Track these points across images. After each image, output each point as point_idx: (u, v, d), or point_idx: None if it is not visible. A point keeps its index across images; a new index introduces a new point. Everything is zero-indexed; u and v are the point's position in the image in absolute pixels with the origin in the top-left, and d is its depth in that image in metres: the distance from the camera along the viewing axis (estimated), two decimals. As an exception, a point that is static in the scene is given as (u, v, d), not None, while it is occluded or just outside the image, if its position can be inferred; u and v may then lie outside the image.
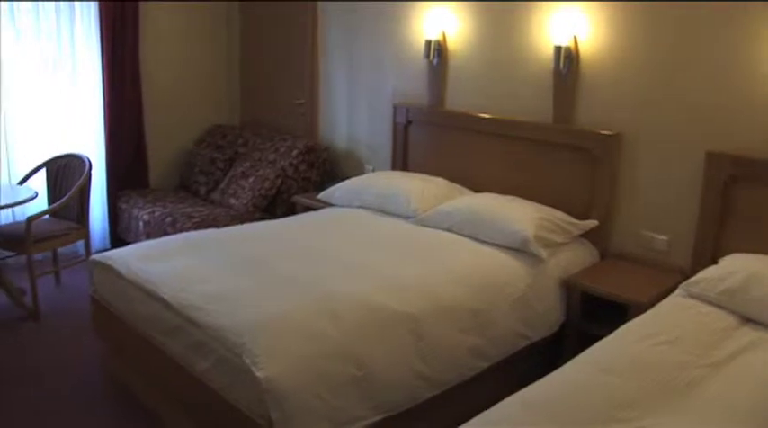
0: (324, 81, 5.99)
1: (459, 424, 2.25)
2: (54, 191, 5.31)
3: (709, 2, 3.60)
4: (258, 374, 2.63)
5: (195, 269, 3.54)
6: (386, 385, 2.96)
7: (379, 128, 5.52)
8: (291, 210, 5.47)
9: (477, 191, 4.65)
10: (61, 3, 5.62)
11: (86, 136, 5.96)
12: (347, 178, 5.23)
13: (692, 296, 3.26)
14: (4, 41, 5.41)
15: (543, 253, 3.81)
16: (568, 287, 3.87)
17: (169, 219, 5.28)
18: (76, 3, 5.69)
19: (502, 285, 3.64)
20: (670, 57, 3.80)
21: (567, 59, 4.15)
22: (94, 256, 3.94)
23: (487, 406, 2.34)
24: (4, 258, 5.24)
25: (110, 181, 6.07)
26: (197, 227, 5.02)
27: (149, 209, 5.57)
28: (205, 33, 6.68)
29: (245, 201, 5.50)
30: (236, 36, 6.79)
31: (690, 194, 3.81)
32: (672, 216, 3.92)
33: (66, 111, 5.84)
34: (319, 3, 5.86)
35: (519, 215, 3.98)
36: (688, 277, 3.44)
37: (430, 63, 4.99)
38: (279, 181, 5.55)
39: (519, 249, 3.85)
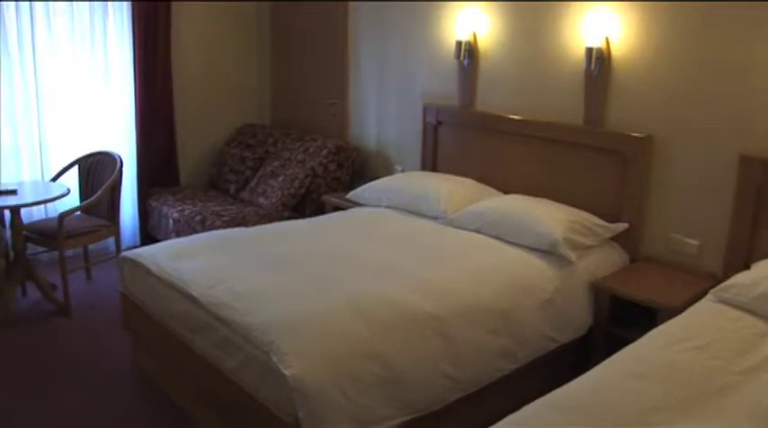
0: (354, 81, 6.00)
1: (487, 427, 2.24)
2: (86, 188, 5.38)
3: (743, 1, 3.55)
4: (286, 372, 2.64)
5: (224, 267, 3.56)
6: (413, 385, 2.96)
7: (408, 128, 5.51)
8: (320, 210, 5.48)
9: (506, 192, 4.64)
10: (95, 3, 5.68)
11: (118, 134, 6.04)
12: (376, 178, 5.24)
13: (723, 301, 3.21)
14: (40, 41, 5.49)
15: (572, 255, 3.79)
16: (597, 290, 3.84)
17: (199, 218, 5.32)
18: (110, 3, 5.76)
19: (530, 287, 3.63)
20: (703, 58, 3.76)
21: (599, 61, 4.12)
22: (125, 253, 3.98)
23: (515, 409, 2.33)
24: (36, 253, 5.31)
25: (140, 179, 6.14)
26: (226, 225, 5.06)
27: (179, 208, 5.61)
28: (236, 33, 6.72)
29: (274, 200, 5.52)
30: (267, 36, 6.82)
31: (722, 198, 3.76)
32: (703, 219, 3.88)
33: (99, 109, 5.92)
34: (351, 2, 5.88)
35: (548, 217, 3.96)
36: (719, 282, 3.39)
37: (460, 63, 4.98)
38: (308, 180, 5.57)
39: (548, 251, 3.83)
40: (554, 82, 4.46)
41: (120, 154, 5.31)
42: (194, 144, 6.56)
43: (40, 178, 5.64)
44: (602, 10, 4.12)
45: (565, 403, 2.37)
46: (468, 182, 4.75)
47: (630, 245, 4.15)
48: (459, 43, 4.89)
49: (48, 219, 5.28)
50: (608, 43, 4.11)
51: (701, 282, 3.74)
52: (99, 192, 5.01)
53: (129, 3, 5.82)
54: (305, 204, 5.63)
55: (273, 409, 2.76)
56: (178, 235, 5.32)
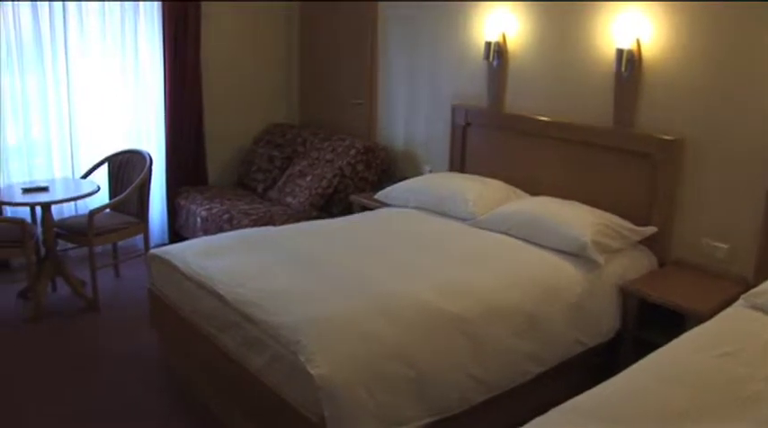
0: (383, 81, 6.00)
1: (512, 429, 2.24)
2: (115, 185, 5.44)
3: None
4: (312, 372, 2.65)
5: (252, 266, 3.57)
6: (439, 386, 2.96)
7: (436, 129, 5.50)
8: (348, 210, 5.49)
9: (534, 194, 4.62)
10: (126, 3, 5.74)
11: (148, 132, 6.09)
12: (404, 178, 5.24)
13: (754, 307, 3.16)
14: (72, 40, 5.56)
15: (600, 258, 3.76)
16: (625, 293, 3.81)
17: (226, 216, 5.34)
18: (140, 2, 5.81)
19: (557, 289, 3.61)
20: (735, 59, 3.72)
21: (629, 62, 4.08)
22: (153, 250, 4.01)
23: (541, 412, 2.32)
24: (66, 250, 5.37)
25: (169, 177, 6.19)
26: (254, 224, 5.08)
27: (207, 206, 5.64)
28: (265, 32, 6.74)
29: (301, 200, 5.54)
30: (296, 35, 6.85)
31: (754, 202, 3.72)
32: (734, 223, 3.83)
33: (129, 108, 5.97)
34: (380, 3, 5.88)
35: (577, 219, 3.94)
36: (750, 287, 3.35)
37: (489, 64, 4.97)
38: (336, 180, 5.58)
39: (576, 254, 3.81)
40: (584, 83, 4.43)
41: (149, 152, 5.36)
42: (223, 143, 6.59)
43: (70, 175, 5.70)
44: (633, 11, 4.08)
45: (592, 407, 2.35)
46: (497, 183, 4.73)
47: (659, 248, 4.11)
48: (488, 44, 4.87)
49: (78, 216, 5.34)
50: (639, 45, 4.08)
51: (731, 287, 3.70)
52: (128, 190, 5.06)
53: (160, 2, 5.86)
54: (332, 204, 5.64)
55: (299, 408, 2.77)
56: (206, 233, 5.35)
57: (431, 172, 5.48)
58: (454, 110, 5.25)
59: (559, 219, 3.97)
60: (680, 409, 2.33)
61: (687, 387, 2.48)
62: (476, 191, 4.55)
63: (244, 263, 3.62)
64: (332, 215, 5.41)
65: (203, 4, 6.10)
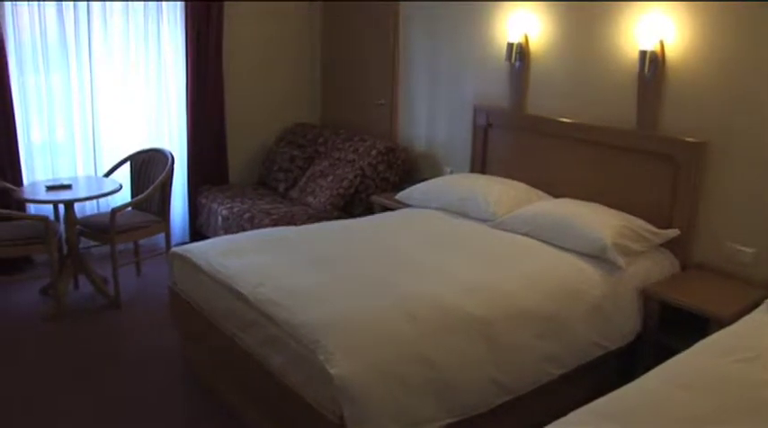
0: (404, 82, 6.00)
1: (531, 432, 2.23)
2: (137, 184, 5.47)
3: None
4: (332, 371, 2.66)
5: (273, 265, 3.58)
6: (459, 387, 2.95)
7: (458, 130, 5.49)
8: (369, 210, 5.49)
9: (555, 196, 4.60)
10: (149, 3, 5.78)
11: (170, 131, 6.13)
12: (425, 179, 5.24)
13: (778, 312, 3.15)
14: (96, 40, 5.61)
15: (622, 261, 3.73)
16: (646, 297, 3.79)
17: (247, 215, 5.36)
18: (164, 3, 5.85)
19: (578, 292, 3.59)
20: (761, 61, 3.67)
21: (653, 64, 4.05)
22: (175, 249, 4.03)
23: (560, 415, 2.31)
24: (88, 247, 5.41)
25: (191, 176, 6.22)
26: (275, 223, 5.09)
27: (228, 205, 5.67)
28: (287, 33, 6.75)
29: (323, 200, 5.55)
30: (318, 36, 6.86)
31: (779, 205, 3.69)
32: (759, 227, 3.78)
33: (151, 107, 6.01)
34: (401, 3, 5.88)
35: (598, 222, 3.92)
36: (774, 292, 3.33)
37: (511, 66, 4.95)
38: (357, 180, 5.59)
39: (597, 256, 3.78)
40: (606, 85, 4.40)
41: (171, 151, 5.39)
42: (244, 142, 6.61)
43: (93, 174, 5.74)
44: (656, 12, 4.05)
45: (612, 410, 2.34)
46: (518, 184, 4.72)
47: (681, 251, 4.08)
48: (510, 45, 4.85)
49: (100, 214, 5.38)
50: (662, 46, 4.05)
51: (755, 292, 3.65)
52: (150, 189, 5.09)
53: (183, 3, 5.90)
54: (353, 204, 5.64)
55: (318, 407, 2.78)
56: (227, 232, 5.37)
57: (452, 173, 5.47)
58: (476, 111, 5.24)
59: (581, 221, 3.95)
60: (700, 414, 2.32)
61: (708, 393, 2.45)
62: (497, 192, 4.54)
63: (264, 262, 3.64)
64: (353, 215, 5.41)
65: (226, 4, 6.13)
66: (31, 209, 5.39)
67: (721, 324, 3.22)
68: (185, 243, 5.01)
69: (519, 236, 4.13)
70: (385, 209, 5.32)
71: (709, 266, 4.02)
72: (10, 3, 5.19)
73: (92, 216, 5.42)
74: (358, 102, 6.51)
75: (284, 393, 3.00)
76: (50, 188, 4.88)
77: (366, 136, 6.02)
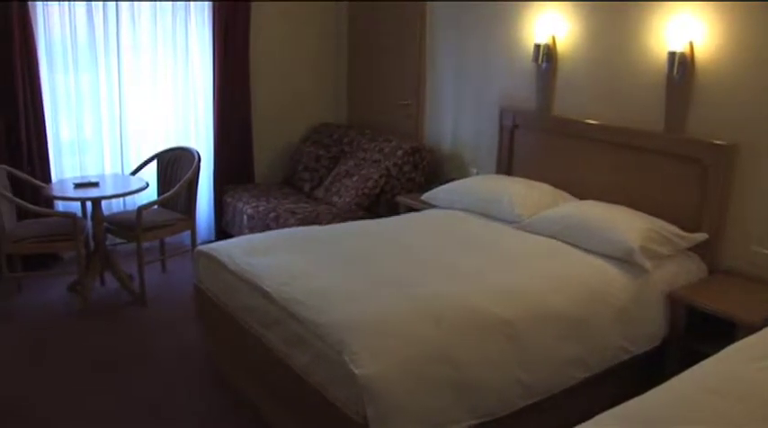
0: (430, 82, 5.99)
1: (556, 435, 2.22)
2: (164, 182, 5.51)
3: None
4: (356, 371, 2.66)
5: (298, 264, 3.59)
6: (483, 389, 2.94)
7: (484, 131, 5.48)
8: (394, 210, 5.49)
9: (582, 198, 4.57)
10: (177, 3, 5.82)
11: (197, 130, 6.18)
12: (451, 180, 5.23)
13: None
14: (124, 40, 5.67)
15: (648, 264, 3.70)
16: (673, 301, 3.75)
17: (272, 215, 5.38)
18: (191, 3, 5.88)
19: (604, 295, 3.56)
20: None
21: (682, 66, 4.02)
22: (200, 247, 4.05)
23: (585, 418, 2.29)
24: (114, 244, 5.45)
25: (217, 175, 6.26)
26: (300, 223, 5.10)
27: (254, 204, 5.69)
28: (313, 32, 6.78)
29: (348, 200, 5.55)
30: (345, 36, 6.87)
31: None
32: (788, 232, 3.75)
33: (178, 106, 6.06)
34: (428, 3, 5.87)
35: (625, 224, 3.89)
36: (804, 298, 3.28)
37: (538, 67, 4.93)
38: (382, 180, 5.59)
39: (623, 259, 3.76)
40: (634, 87, 4.37)
41: (197, 150, 5.42)
42: (270, 142, 6.64)
43: (120, 172, 5.79)
44: (685, 13, 4.02)
45: (638, 415, 2.32)
46: (544, 186, 4.69)
47: (709, 256, 4.04)
48: (537, 46, 4.83)
49: (127, 212, 5.42)
50: (692, 48, 4.01)
51: (784, 298, 3.62)
52: (176, 187, 5.12)
53: (210, 3, 5.93)
54: (379, 204, 5.64)
55: (342, 407, 2.78)
56: (252, 231, 5.39)
57: (477, 174, 5.46)
58: (502, 112, 5.22)
59: (607, 224, 3.92)
60: (727, 420, 2.29)
61: (735, 399, 2.42)
62: (522, 194, 4.53)
63: (290, 261, 3.65)
64: (378, 215, 5.41)
65: (252, 4, 6.16)
66: (59, 206, 5.44)
67: (749, 329, 3.18)
68: (211, 241, 5.04)
69: (544, 238, 4.11)
70: (410, 209, 5.32)
71: (737, 271, 3.98)
72: (41, 3, 5.25)
73: (118, 213, 5.47)
74: (384, 102, 6.51)
75: (308, 392, 3.00)
76: (78, 186, 4.93)
77: (392, 136, 6.02)
